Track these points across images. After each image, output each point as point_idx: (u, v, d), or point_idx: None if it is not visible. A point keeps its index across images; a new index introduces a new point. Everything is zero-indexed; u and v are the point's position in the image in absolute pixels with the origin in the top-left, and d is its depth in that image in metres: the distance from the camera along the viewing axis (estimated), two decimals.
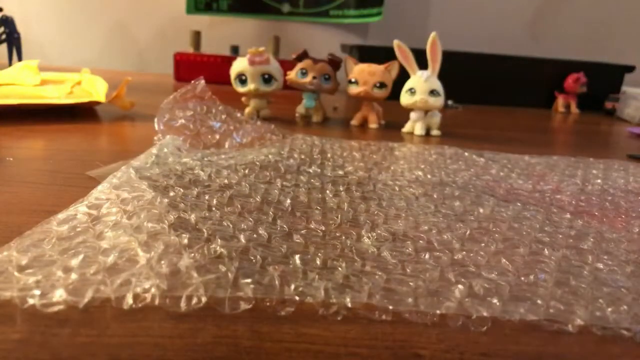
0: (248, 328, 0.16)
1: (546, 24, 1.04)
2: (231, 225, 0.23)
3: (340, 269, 0.20)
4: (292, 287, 0.18)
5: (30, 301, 0.16)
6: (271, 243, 0.21)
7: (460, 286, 0.19)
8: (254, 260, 0.19)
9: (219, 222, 0.23)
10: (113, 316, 0.16)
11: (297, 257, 0.20)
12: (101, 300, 0.16)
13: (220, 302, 0.17)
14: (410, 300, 0.18)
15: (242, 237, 0.21)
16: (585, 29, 1.03)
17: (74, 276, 0.17)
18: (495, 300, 0.18)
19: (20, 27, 0.81)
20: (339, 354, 0.15)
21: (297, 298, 0.17)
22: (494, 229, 0.25)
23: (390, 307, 0.17)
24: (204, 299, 0.16)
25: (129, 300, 0.16)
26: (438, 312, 0.17)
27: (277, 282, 0.18)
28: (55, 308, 0.16)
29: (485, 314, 0.17)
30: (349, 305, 0.17)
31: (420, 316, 0.17)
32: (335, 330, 0.16)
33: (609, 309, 0.18)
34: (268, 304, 0.17)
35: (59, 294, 0.16)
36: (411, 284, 0.19)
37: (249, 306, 0.17)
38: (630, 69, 0.92)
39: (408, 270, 0.20)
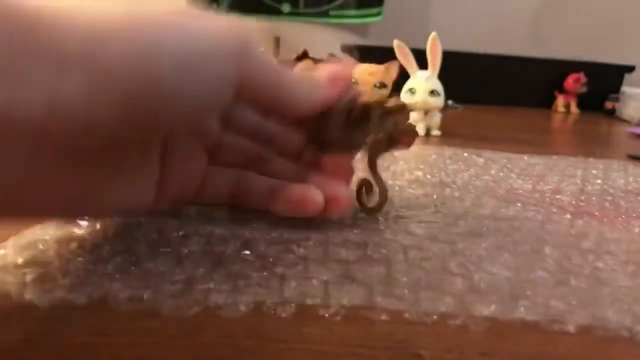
0: (248, 328, 0.16)
1: (546, 24, 1.04)
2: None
3: (341, 267, 0.20)
4: (292, 286, 0.18)
5: (30, 300, 0.16)
6: (272, 239, 0.21)
7: (459, 284, 0.19)
8: (252, 260, 0.20)
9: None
10: (113, 316, 0.16)
11: (297, 253, 0.20)
12: (101, 301, 0.16)
13: (220, 306, 0.17)
14: (409, 295, 0.18)
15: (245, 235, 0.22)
16: (585, 29, 1.03)
17: (74, 276, 0.17)
18: (494, 300, 0.18)
19: None
20: (339, 354, 0.15)
21: (296, 300, 0.17)
22: (494, 229, 0.25)
23: (389, 306, 0.17)
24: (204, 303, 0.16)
25: (129, 301, 0.16)
26: (438, 309, 0.17)
27: (277, 283, 0.18)
28: (55, 308, 0.16)
29: (485, 313, 0.17)
30: (346, 303, 0.17)
31: (420, 316, 0.17)
32: (335, 330, 0.16)
33: (609, 309, 0.18)
34: (269, 309, 0.17)
35: (59, 294, 0.16)
36: (410, 279, 0.19)
37: (249, 309, 0.17)
38: (630, 69, 0.92)
39: (407, 269, 0.20)
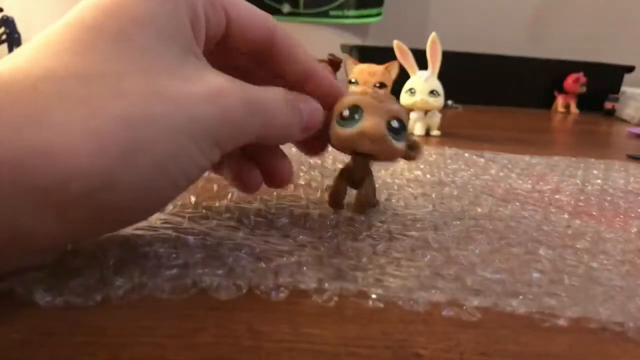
0: (248, 328, 0.16)
1: (546, 24, 1.04)
2: (233, 222, 0.23)
3: (335, 263, 0.20)
4: (286, 276, 0.18)
5: (32, 299, 0.16)
6: (270, 238, 0.22)
7: (452, 284, 0.19)
8: (249, 255, 0.20)
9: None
10: (113, 316, 0.16)
11: (293, 253, 0.20)
12: (101, 300, 0.16)
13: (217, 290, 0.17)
14: (403, 293, 0.18)
15: (240, 233, 0.22)
16: (585, 29, 1.03)
17: (77, 276, 0.17)
18: (487, 296, 0.18)
19: (20, 27, 0.81)
20: (339, 354, 0.15)
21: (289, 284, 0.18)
22: (491, 228, 0.25)
23: (382, 303, 0.17)
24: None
25: (129, 300, 0.16)
26: (433, 300, 0.17)
27: (271, 274, 0.18)
28: (55, 308, 0.16)
29: (476, 303, 0.18)
30: (339, 294, 0.17)
31: (420, 314, 0.17)
32: (335, 330, 0.16)
33: (602, 307, 0.18)
34: (261, 292, 0.17)
35: (60, 294, 0.16)
36: (406, 272, 0.19)
37: (244, 296, 0.17)
38: (630, 69, 0.92)
39: (403, 267, 0.20)
